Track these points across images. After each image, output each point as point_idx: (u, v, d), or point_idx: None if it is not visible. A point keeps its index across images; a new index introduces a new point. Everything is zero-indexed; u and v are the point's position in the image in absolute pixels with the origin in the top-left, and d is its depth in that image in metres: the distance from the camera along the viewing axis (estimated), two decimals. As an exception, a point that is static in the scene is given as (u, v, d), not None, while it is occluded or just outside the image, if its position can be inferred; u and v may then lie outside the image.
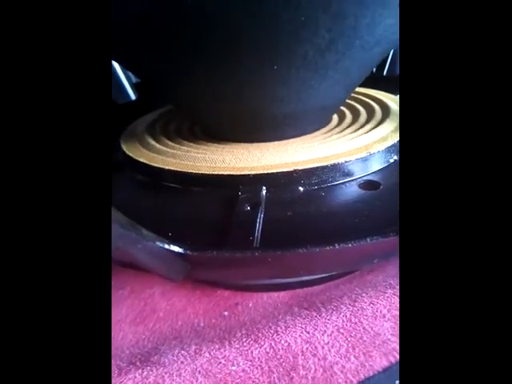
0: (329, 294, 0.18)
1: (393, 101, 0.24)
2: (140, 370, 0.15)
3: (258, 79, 0.16)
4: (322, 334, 0.15)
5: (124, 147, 0.21)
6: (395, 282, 0.17)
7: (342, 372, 0.14)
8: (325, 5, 0.12)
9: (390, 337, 0.15)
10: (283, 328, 0.16)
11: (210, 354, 0.15)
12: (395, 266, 0.18)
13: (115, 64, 0.31)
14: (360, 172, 0.17)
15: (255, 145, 0.20)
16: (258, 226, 0.14)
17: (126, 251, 0.09)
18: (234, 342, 0.15)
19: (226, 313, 0.18)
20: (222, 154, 0.18)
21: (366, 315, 0.16)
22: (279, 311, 0.17)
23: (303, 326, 0.16)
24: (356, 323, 0.15)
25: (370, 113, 0.23)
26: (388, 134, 0.19)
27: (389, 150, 0.18)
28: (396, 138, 0.19)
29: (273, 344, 0.15)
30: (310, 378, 0.14)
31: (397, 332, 0.15)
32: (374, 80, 0.28)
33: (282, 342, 0.15)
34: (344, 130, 0.21)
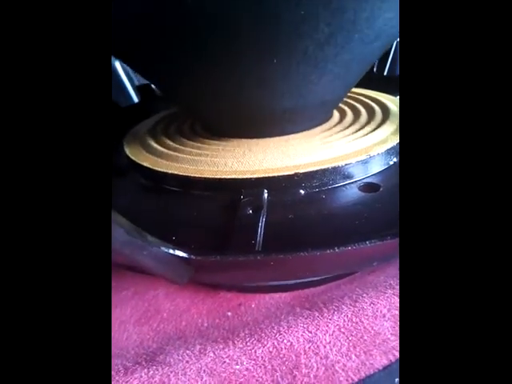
0: (330, 295, 0.18)
1: (393, 102, 0.24)
2: (146, 370, 0.15)
3: (258, 75, 0.16)
4: (324, 334, 0.16)
5: (127, 151, 0.22)
6: (395, 282, 0.17)
7: (343, 370, 0.14)
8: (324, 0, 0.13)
9: (389, 336, 0.15)
10: (286, 328, 0.16)
11: (214, 353, 0.15)
12: (395, 267, 0.19)
13: (118, 66, 0.31)
14: (360, 174, 0.18)
15: (255, 141, 0.20)
16: (260, 229, 0.14)
17: (132, 258, 0.10)
18: (238, 341, 0.16)
19: (229, 313, 0.18)
20: (224, 157, 0.18)
21: (367, 315, 0.16)
22: (282, 311, 0.18)
23: (305, 325, 0.16)
24: (357, 323, 0.16)
25: (371, 114, 0.23)
26: (388, 136, 0.19)
27: (388, 152, 0.18)
28: (395, 140, 0.19)
29: (276, 343, 0.15)
30: (312, 376, 0.14)
31: (396, 331, 0.15)
32: (375, 80, 0.28)
33: (285, 341, 0.15)
34: (345, 129, 0.21)
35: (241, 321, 0.18)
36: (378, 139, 0.19)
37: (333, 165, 0.17)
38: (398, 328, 0.15)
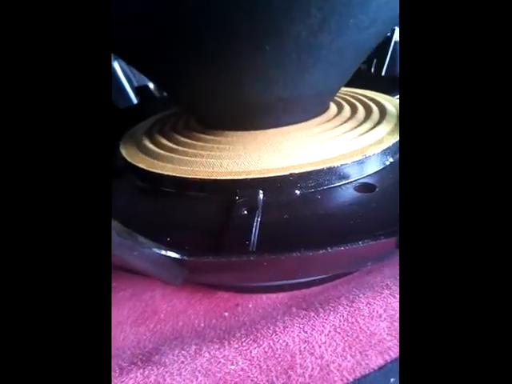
0: (327, 295, 0.18)
1: (389, 102, 0.24)
2: (141, 370, 0.15)
3: (252, 62, 0.16)
4: (320, 334, 0.16)
5: (123, 152, 0.22)
6: (392, 282, 0.17)
7: (338, 370, 0.14)
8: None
9: (385, 336, 0.15)
10: (281, 328, 0.16)
11: (209, 353, 0.15)
12: (392, 268, 0.19)
13: (117, 68, 0.32)
14: (356, 175, 0.18)
15: (250, 136, 0.20)
16: (255, 230, 0.14)
17: (122, 259, 0.10)
18: (234, 341, 0.16)
19: (226, 313, 0.18)
20: (219, 158, 0.18)
21: (363, 315, 0.16)
22: (278, 312, 0.18)
23: (301, 325, 0.16)
24: (353, 323, 0.16)
25: (368, 111, 0.23)
26: (384, 136, 0.19)
27: (384, 152, 0.18)
28: (391, 140, 0.19)
29: (271, 344, 0.15)
30: (307, 376, 0.14)
31: (392, 331, 0.15)
32: (373, 81, 0.28)
33: (281, 341, 0.15)
34: (342, 123, 0.21)
35: (237, 321, 0.18)
36: (374, 139, 0.19)
37: (328, 165, 0.17)
38: (393, 328, 0.15)
